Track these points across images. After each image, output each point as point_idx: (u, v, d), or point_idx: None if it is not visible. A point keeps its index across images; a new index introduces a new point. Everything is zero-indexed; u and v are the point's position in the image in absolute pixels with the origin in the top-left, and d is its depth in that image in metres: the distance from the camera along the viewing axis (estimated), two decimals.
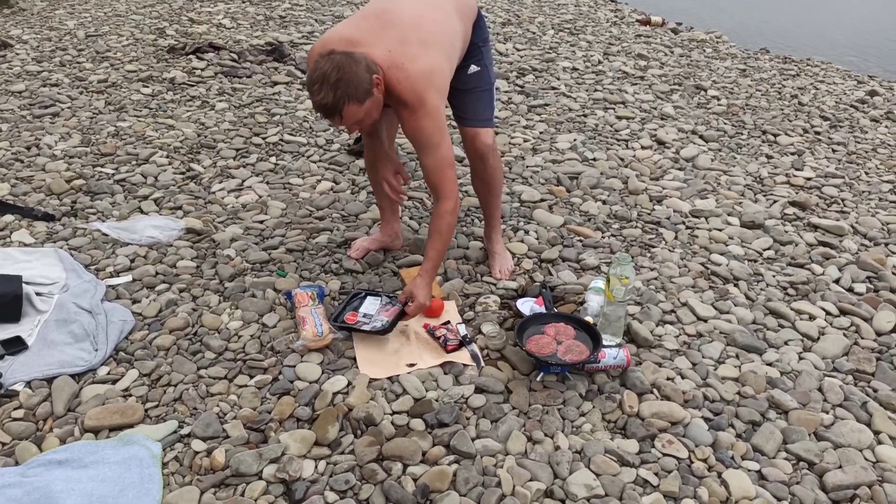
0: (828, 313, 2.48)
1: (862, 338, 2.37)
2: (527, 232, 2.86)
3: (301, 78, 4.43)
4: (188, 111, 3.87)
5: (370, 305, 2.25)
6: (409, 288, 2.19)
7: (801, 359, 2.25)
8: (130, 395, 1.93)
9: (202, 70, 4.45)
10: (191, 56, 4.66)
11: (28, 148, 3.35)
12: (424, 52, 2.01)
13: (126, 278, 2.41)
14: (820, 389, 2.11)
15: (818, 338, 2.36)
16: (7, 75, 4.27)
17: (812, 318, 2.46)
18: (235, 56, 4.72)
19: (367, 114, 1.96)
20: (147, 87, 4.17)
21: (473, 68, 2.30)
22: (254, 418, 1.86)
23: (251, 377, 2.02)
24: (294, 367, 2.05)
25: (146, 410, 1.88)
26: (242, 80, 4.36)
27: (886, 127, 4.27)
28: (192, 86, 4.23)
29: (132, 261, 2.53)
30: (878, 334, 2.38)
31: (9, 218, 2.74)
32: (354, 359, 2.11)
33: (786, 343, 2.32)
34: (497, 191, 2.55)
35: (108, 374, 2.00)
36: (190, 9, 5.90)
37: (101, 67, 4.45)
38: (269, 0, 6.30)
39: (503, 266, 2.56)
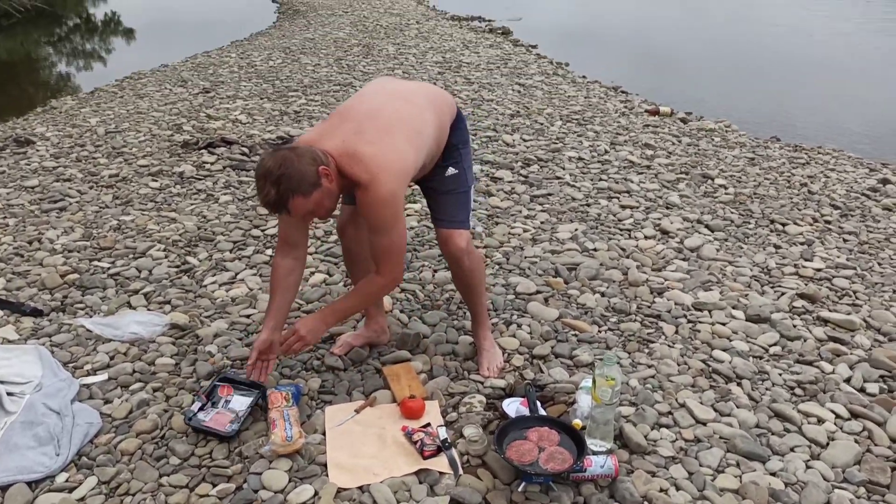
0: (837, 416, 2.32)
1: (875, 444, 2.20)
2: (519, 326, 2.77)
3: None
4: (192, 204, 3.94)
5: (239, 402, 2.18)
6: (297, 324, 2.14)
7: (808, 468, 2.09)
8: None
9: (212, 164, 4.57)
10: (203, 150, 4.80)
11: (30, 242, 3.41)
12: (379, 139, 2.02)
13: (101, 377, 2.36)
14: (828, 503, 1.94)
15: (827, 444, 2.19)
16: (24, 171, 4.42)
17: (821, 421, 2.30)
18: (246, 150, 4.85)
19: (317, 204, 1.96)
20: (156, 181, 4.28)
21: (451, 170, 2.30)
22: None
23: (214, 485, 1.92)
24: (260, 474, 1.94)
25: None
26: (249, 173, 4.45)
27: None
28: (200, 179, 4.32)
29: (112, 357, 2.49)
30: (893, 440, 2.21)
31: None
32: (325, 465, 2.00)
33: (791, 450, 2.16)
34: (478, 290, 2.48)
35: (66, 481, 1.92)
36: (209, 105, 6.14)
37: (115, 162, 4.60)
38: (287, 96, 6.55)
39: (492, 363, 2.47)
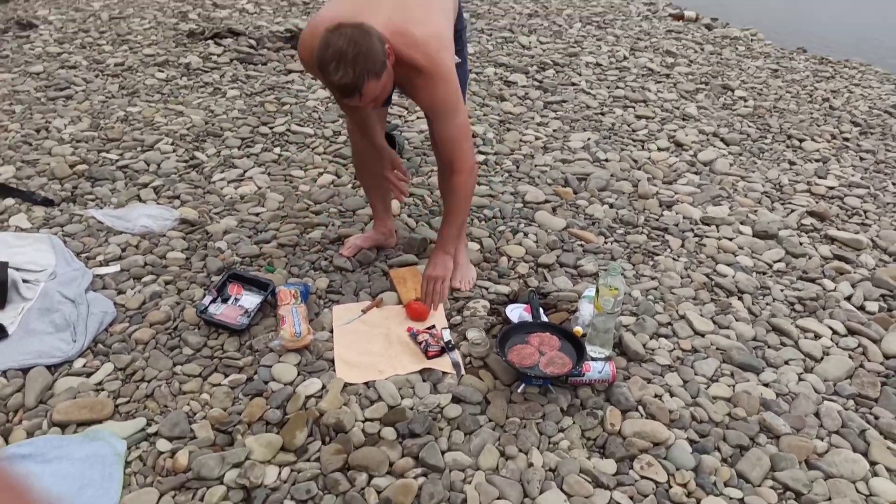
0: (834, 332, 2.37)
1: (868, 360, 2.25)
2: (526, 234, 2.78)
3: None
4: (199, 97, 3.87)
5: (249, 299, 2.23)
6: (434, 272, 2.17)
7: (800, 380, 2.15)
8: (102, 390, 1.92)
9: (218, 56, 4.44)
10: (209, 41, 4.66)
11: (38, 131, 3.38)
12: (427, 15, 1.92)
13: (114, 268, 2.40)
14: (817, 414, 2.01)
15: (821, 358, 2.24)
16: (28, 56, 4.32)
17: (817, 336, 2.34)
18: (254, 42, 4.70)
19: (383, 88, 1.85)
20: (162, 71, 4.18)
21: (456, 59, 2.22)
22: (223, 419, 1.84)
23: (226, 376, 2.00)
24: (270, 367, 2.02)
25: (116, 406, 1.87)
26: (257, 68, 4.34)
27: None
28: (207, 72, 4.22)
29: (123, 250, 2.53)
30: (887, 357, 2.26)
31: (9, 202, 2.77)
32: (333, 361, 2.07)
33: (786, 363, 2.22)
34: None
35: (84, 366, 2.00)
36: None
37: (120, 50, 4.48)
38: None
39: (465, 277, 2.44)
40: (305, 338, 2.07)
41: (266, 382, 1.97)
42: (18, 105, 3.65)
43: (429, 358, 2.09)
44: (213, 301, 2.19)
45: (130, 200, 2.86)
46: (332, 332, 2.19)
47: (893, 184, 3.47)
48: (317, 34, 1.84)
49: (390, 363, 2.07)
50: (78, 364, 2.00)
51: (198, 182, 3.04)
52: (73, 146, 3.25)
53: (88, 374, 1.97)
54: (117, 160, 3.16)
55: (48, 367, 1.96)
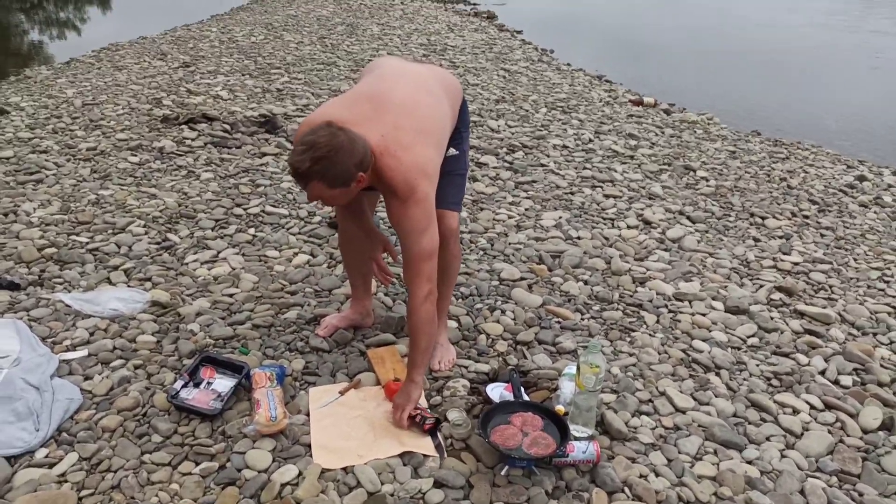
0: (812, 407, 2.38)
1: (847, 435, 2.25)
2: (503, 312, 2.79)
3: (290, 149, 4.45)
4: (173, 180, 3.88)
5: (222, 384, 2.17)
6: (399, 400, 2.10)
7: (783, 457, 2.14)
8: (66, 481, 1.82)
9: (192, 140, 4.49)
10: (183, 126, 4.71)
11: (6, 214, 3.33)
12: (418, 141, 1.97)
13: (81, 353, 2.33)
14: (802, 492, 1.99)
15: (801, 434, 2.24)
16: None
17: (796, 411, 2.35)
18: (228, 127, 4.78)
19: (331, 198, 1.92)
20: (135, 155, 4.20)
21: (452, 151, 2.27)
22: None
23: (197, 464, 1.91)
24: (244, 454, 1.94)
25: (80, 499, 1.77)
26: (231, 151, 4.39)
27: (875, 213, 4.25)
28: (181, 155, 4.25)
29: (91, 334, 2.45)
30: (865, 431, 2.27)
31: None
32: (310, 445, 2.00)
33: (767, 439, 2.21)
34: (451, 279, 2.46)
35: (46, 456, 1.89)
36: (189, 80, 6.03)
37: (93, 135, 4.50)
38: (269, 73, 6.45)
39: (444, 358, 2.43)
40: (281, 422, 2.00)
41: (239, 470, 1.89)
42: None
43: (426, 431, 2.03)
44: (185, 385, 2.12)
45: (100, 283, 2.80)
46: (308, 415, 2.12)
47: (854, 259, 3.59)
48: (310, 124, 1.91)
49: (369, 447, 2.01)
50: (40, 454, 1.90)
51: (170, 264, 3.00)
52: (42, 229, 3.20)
53: (51, 465, 1.86)
54: (87, 243, 3.11)
55: (7, 459, 1.85)
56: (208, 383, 2.15)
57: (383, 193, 2.02)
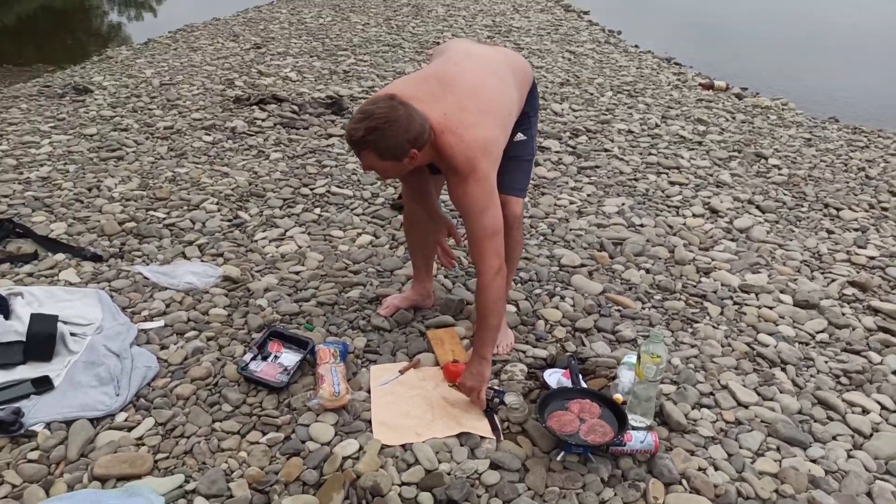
0: (883, 408, 2.29)
1: None
2: (563, 298, 2.78)
3: None
4: (244, 160, 4.01)
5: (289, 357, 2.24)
6: (470, 382, 2.11)
7: (849, 457, 2.07)
8: (143, 444, 1.93)
9: (263, 120, 4.62)
10: (254, 106, 4.85)
11: (89, 189, 3.52)
12: (481, 121, 1.98)
13: (158, 323, 2.45)
14: (869, 494, 1.93)
15: (871, 435, 2.17)
16: (83, 119, 4.54)
17: (865, 411, 2.27)
18: (296, 108, 4.89)
19: (384, 170, 1.96)
20: (209, 134, 4.35)
21: (520, 136, 2.27)
22: (260, 478, 1.83)
23: (264, 434, 1.99)
24: (308, 426, 2.01)
25: (156, 461, 1.87)
26: (299, 132, 4.49)
27: None
28: (252, 135, 4.38)
29: (167, 305, 2.58)
30: None
31: (60, 257, 2.86)
32: (370, 422, 2.06)
33: (834, 438, 2.15)
34: (513, 265, 2.46)
35: (126, 420, 2.02)
36: (260, 61, 6.18)
37: (170, 114, 4.68)
38: (336, 55, 6.54)
39: (503, 341, 2.43)
40: (344, 397, 2.07)
41: (303, 442, 1.97)
42: (72, 165, 3.81)
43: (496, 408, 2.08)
44: (254, 358, 2.22)
45: (176, 257, 2.94)
46: (369, 392, 2.19)
47: None
48: (375, 97, 1.95)
49: (428, 426, 2.05)
50: (120, 418, 2.02)
51: (240, 241, 3.11)
52: (123, 204, 3.37)
53: (130, 429, 1.98)
54: (164, 218, 3.26)
55: (91, 421, 1.98)
56: (275, 357, 2.24)
57: (444, 172, 2.05)
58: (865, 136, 5.26)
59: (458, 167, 1.96)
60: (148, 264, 2.85)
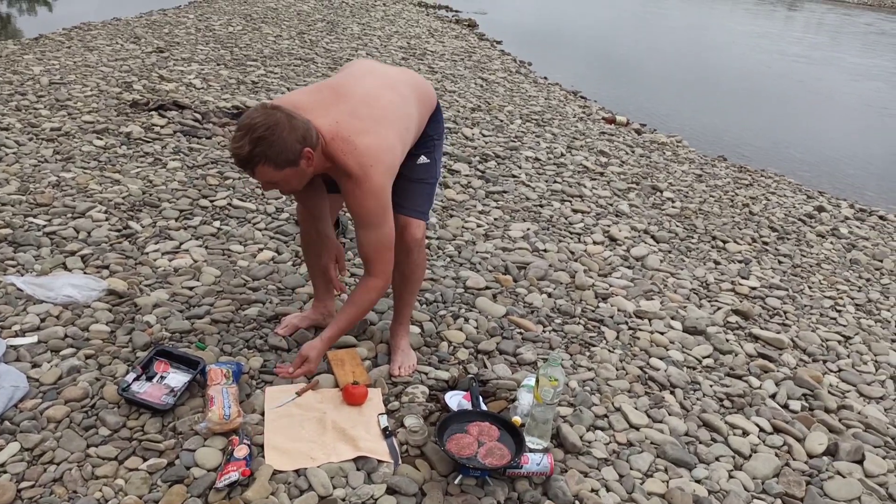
0: (761, 430, 2.43)
1: (794, 458, 2.31)
2: (466, 320, 2.79)
3: None
4: (138, 167, 3.80)
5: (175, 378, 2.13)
6: (303, 349, 2.13)
7: (730, 477, 2.18)
8: (5, 472, 1.76)
9: (161, 127, 4.41)
10: (153, 112, 4.62)
11: None
12: (374, 129, 1.97)
13: (31, 339, 2.25)
14: None
15: (750, 455, 2.29)
16: None
17: (745, 433, 2.40)
18: (199, 116, 4.70)
19: (284, 180, 1.91)
20: (101, 139, 4.10)
21: (423, 159, 2.27)
22: None
23: (144, 459, 1.86)
24: (194, 451, 1.90)
25: (18, 491, 1.71)
26: (201, 141, 4.32)
27: (831, 243, 4.37)
28: (148, 142, 4.17)
29: (43, 320, 2.38)
30: (810, 456, 2.33)
31: None
32: (262, 446, 1.97)
33: (717, 459, 2.25)
34: (414, 287, 2.44)
35: None
36: (162, 66, 5.92)
37: (58, 115, 4.38)
38: (245, 65, 6.37)
39: (404, 363, 2.41)
40: (235, 420, 1.97)
41: (188, 468, 1.85)
42: None
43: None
44: (137, 378, 2.07)
45: (55, 268, 2.73)
46: (263, 415, 2.09)
47: (809, 287, 3.69)
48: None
49: (323, 450, 1.98)
50: None
51: (130, 252, 2.93)
52: None
53: None
54: (45, 226, 3.02)
55: None
56: (161, 377, 2.10)
57: (338, 180, 2.02)
58: (750, 175, 5.65)
59: (352, 172, 1.94)
60: (23, 275, 2.63)
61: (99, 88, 5.03)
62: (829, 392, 2.71)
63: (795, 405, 2.59)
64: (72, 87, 4.97)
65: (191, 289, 2.71)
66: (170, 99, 4.90)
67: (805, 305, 3.47)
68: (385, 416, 2.15)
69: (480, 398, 2.26)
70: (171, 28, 7.62)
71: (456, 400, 2.25)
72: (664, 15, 16.84)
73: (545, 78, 8.35)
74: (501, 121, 5.91)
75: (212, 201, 3.52)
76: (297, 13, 9.52)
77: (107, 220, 3.16)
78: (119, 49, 6.40)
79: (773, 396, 2.64)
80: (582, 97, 7.83)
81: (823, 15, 19.20)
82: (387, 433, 2.07)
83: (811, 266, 3.97)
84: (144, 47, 6.56)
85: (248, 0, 10.34)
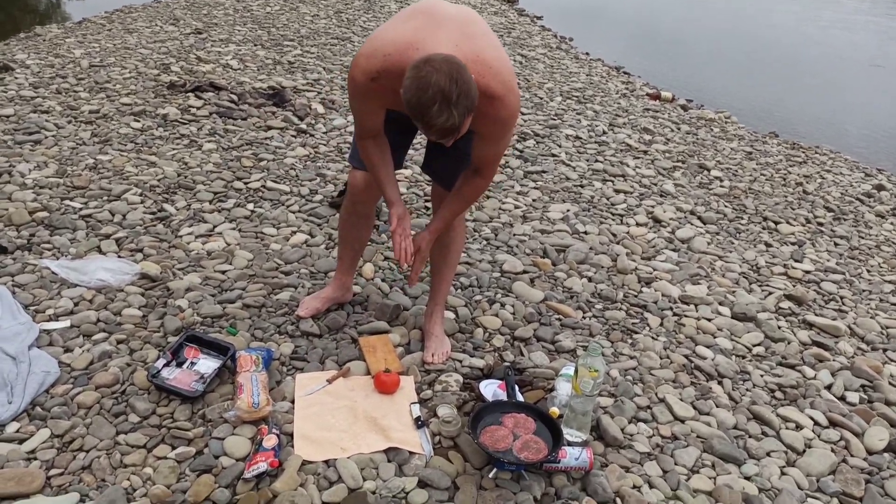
0: (816, 423, 2.29)
1: (851, 455, 2.17)
2: (503, 305, 2.70)
3: (297, 124, 4.35)
4: (174, 149, 3.79)
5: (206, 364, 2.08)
6: (416, 240, 2.06)
7: (783, 474, 2.05)
8: (35, 459, 1.75)
9: (198, 109, 4.39)
10: (190, 94, 4.61)
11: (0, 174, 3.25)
12: (491, 43, 1.84)
13: (63, 323, 2.25)
14: None
15: (804, 451, 2.16)
16: (0, 98, 4.22)
17: (799, 427, 2.26)
18: (235, 97, 4.67)
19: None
20: (138, 121, 4.10)
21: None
22: (165, 498, 1.67)
23: (173, 448, 1.84)
24: (223, 440, 1.86)
25: (48, 478, 1.70)
26: (237, 122, 4.29)
27: (892, 224, 4.13)
28: (185, 124, 4.15)
29: (76, 304, 2.38)
30: (870, 453, 2.19)
31: None
32: (292, 435, 1.92)
33: (768, 454, 2.13)
34: (454, 260, 2.36)
35: (17, 431, 1.83)
36: (200, 47, 5.92)
37: (97, 98, 4.40)
38: (282, 45, 6.33)
39: (438, 350, 2.32)
40: (264, 409, 1.93)
41: (217, 457, 1.82)
42: None
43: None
44: (167, 364, 2.05)
45: (90, 252, 2.73)
46: (293, 402, 2.05)
47: (868, 271, 3.48)
48: (376, 57, 1.78)
49: (354, 440, 1.93)
50: (11, 428, 1.83)
51: (163, 235, 2.92)
52: (36, 192, 3.12)
53: (21, 441, 1.80)
54: (81, 209, 3.03)
55: None
56: (192, 363, 2.08)
57: (479, 105, 1.79)
58: (803, 152, 5.38)
59: (495, 93, 1.78)
60: (58, 258, 2.63)
61: (137, 70, 5.05)
62: (889, 383, 2.55)
63: (853, 397, 2.44)
64: (111, 70, 5.00)
65: (223, 272, 2.68)
66: (206, 80, 4.89)
67: (863, 290, 3.27)
68: (417, 405, 2.08)
69: (516, 388, 2.17)
70: (210, 9, 7.61)
71: (491, 389, 2.17)
72: None
73: (587, 54, 8.10)
74: (541, 98, 5.74)
75: (246, 183, 3.48)
76: None
77: (142, 202, 3.16)
78: (158, 31, 6.41)
79: (828, 388, 2.49)
80: (625, 73, 7.57)
81: None
82: (419, 423, 2.01)
83: (870, 248, 3.75)
84: (183, 29, 6.56)
85: None
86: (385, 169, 2.08)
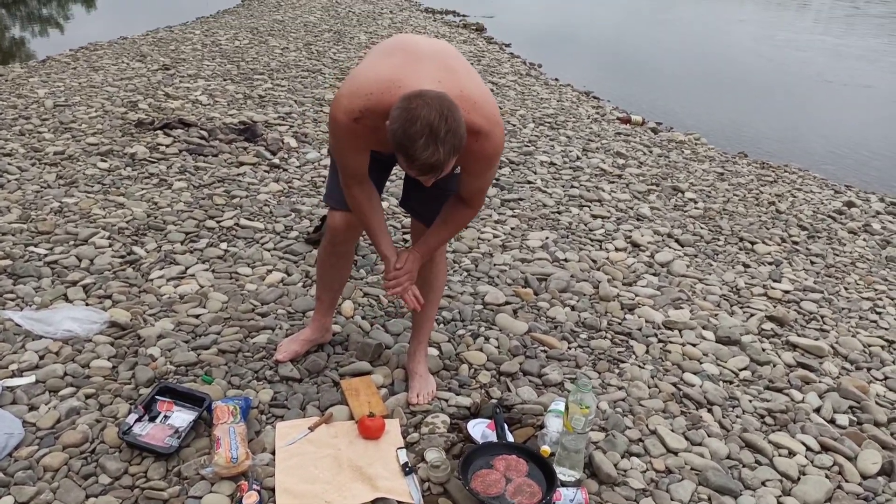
0: (809, 449, 2.26)
1: (846, 480, 2.14)
2: (487, 339, 2.64)
3: (270, 159, 4.28)
4: (143, 189, 3.69)
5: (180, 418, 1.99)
6: (406, 265, 1.99)
7: None
8: None
9: (167, 146, 4.31)
10: (158, 131, 4.53)
11: None
12: (473, 78, 1.81)
13: (28, 379, 2.14)
14: None
15: (798, 478, 2.12)
16: None
17: (792, 453, 2.23)
18: (205, 133, 4.60)
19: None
20: (105, 161, 4.01)
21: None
22: None
23: None
24: (200, 498, 1.77)
25: None
26: (207, 159, 4.21)
27: (864, 240, 4.17)
28: (153, 162, 4.07)
29: (41, 357, 2.27)
30: (864, 477, 2.16)
31: None
32: (273, 490, 1.83)
33: (763, 484, 2.09)
34: (436, 296, 2.30)
35: None
36: (168, 83, 5.85)
37: (62, 139, 4.30)
38: (252, 79, 6.28)
39: (424, 389, 2.26)
40: (243, 463, 1.84)
41: None
42: None
43: None
44: (139, 419, 1.95)
45: (56, 300, 2.62)
46: (274, 454, 1.96)
47: (845, 289, 3.50)
48: (359, 97, 1.73)
49: (339, 491, 1.85)
50: None
51: (133, 280, 2.82)
52: None
53: None
54: (46, 255, 2.92)
55: None
56: (165, 417, 1.98)
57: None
58: (773, 171, 5.45)
59: (481, 128, 1.75)
60: (22, 308, 2.52)
61: (104, 109, 4.95)
62: (877, 403, 2.54)
63: (843, 419, 2.42)
64: (76, 109, 4.90)
65: (197, 317, 2.59)
66: (175, 117, 4.81)
67: (843, 308, 3.28)
68: (404, 450, 2.01)
69: (506, 426, 2.11)
70: (178, 45, 7.56)
71: (479, 429, 2.11)
72: (672, 12, 16.62)
73: (556, 79, 8.18)
74: (514, 125, 5.76)
75: (218, 222, 3.40)
76: (304, 24, 9.44)
77: (110, 246, 3.06)
78: (125, 68, 6.33)
79: (817, 410, 2.47)
80: (595, 97, 7.65)
81: (834, 3, 18.89)
82: (407, 469, 1.93)
83: (845, 265, 3.78)
84: (150, 65, 6.49)
85: (254, 14, 10.29)
86: (376, 217, 2.03)
